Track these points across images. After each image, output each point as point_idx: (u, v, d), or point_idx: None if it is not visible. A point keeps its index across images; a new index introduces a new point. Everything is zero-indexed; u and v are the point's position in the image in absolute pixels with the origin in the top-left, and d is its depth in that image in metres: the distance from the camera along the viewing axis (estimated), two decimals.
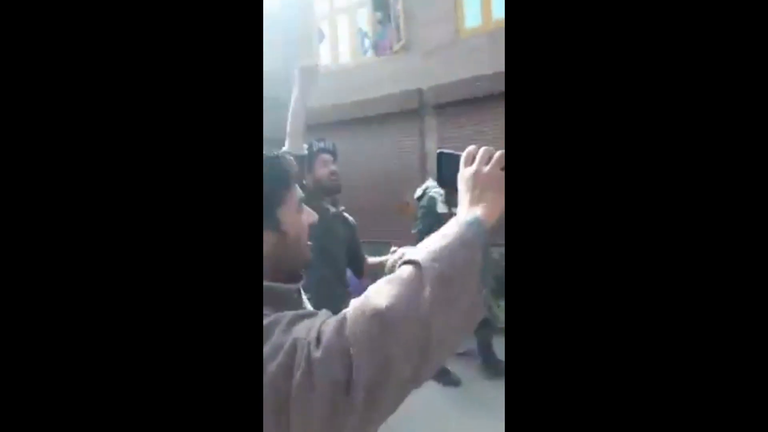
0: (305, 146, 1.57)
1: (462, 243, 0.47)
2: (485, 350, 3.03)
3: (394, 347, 0.41)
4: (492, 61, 4.03)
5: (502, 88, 3.70)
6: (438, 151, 0.64)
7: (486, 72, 4.11)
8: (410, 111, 4.83)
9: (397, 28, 4.88)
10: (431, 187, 2.97)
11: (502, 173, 0.53)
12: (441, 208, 2.84)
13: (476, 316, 0.48)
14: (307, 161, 1.80)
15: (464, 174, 0.54)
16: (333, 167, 1.84)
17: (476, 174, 0.53)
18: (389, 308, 0.42)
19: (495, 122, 4.16)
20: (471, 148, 0.56)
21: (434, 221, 2.66)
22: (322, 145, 1.87)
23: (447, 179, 0.59)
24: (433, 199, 2.90)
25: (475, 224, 0.49)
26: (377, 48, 5.15)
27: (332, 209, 1.82)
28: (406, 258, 0.48)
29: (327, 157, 1.84)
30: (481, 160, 0.54)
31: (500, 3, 4.23)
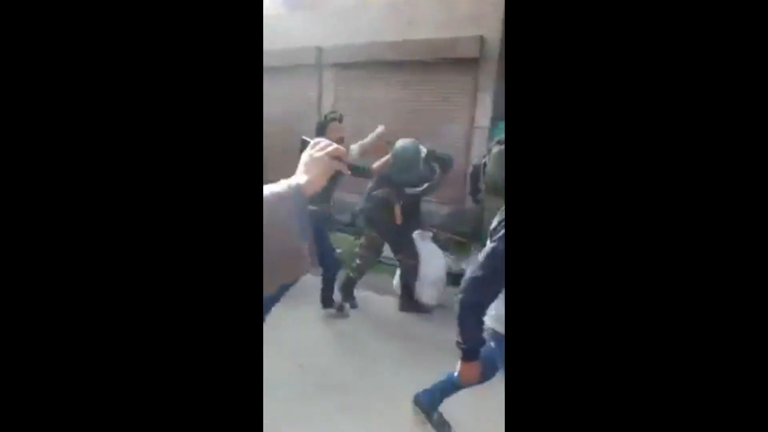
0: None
1: (279, 197, 0.57)
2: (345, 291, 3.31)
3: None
4: (390, 31, 4.78)
5: (395, 57, 4.66)
6: (302, 137, 0.78)
7: (384, 40, 4.83)
8: (309, 65, 5.30)
9: None
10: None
11: (329, 160, 0.67)
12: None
13: (298, 266, 0.57)
14: (318, 130, 2.45)
15: (305, 155, 0.68)
16: (342, 134, 2.46)
17: (310, 155, 0.67)
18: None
19: (387, 87, 4.98)
20: (318, 139, 0.71)
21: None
22: (332, 116, 2.50)
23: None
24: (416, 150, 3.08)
25: (294, 186, 0.60)
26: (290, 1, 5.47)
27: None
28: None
29: (337, 125, 2.47)
30: (316, 147, 0.68)
31: None
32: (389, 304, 3.37)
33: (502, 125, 4.30)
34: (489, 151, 2.83)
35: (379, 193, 3.07)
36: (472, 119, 4.58)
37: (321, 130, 2.46)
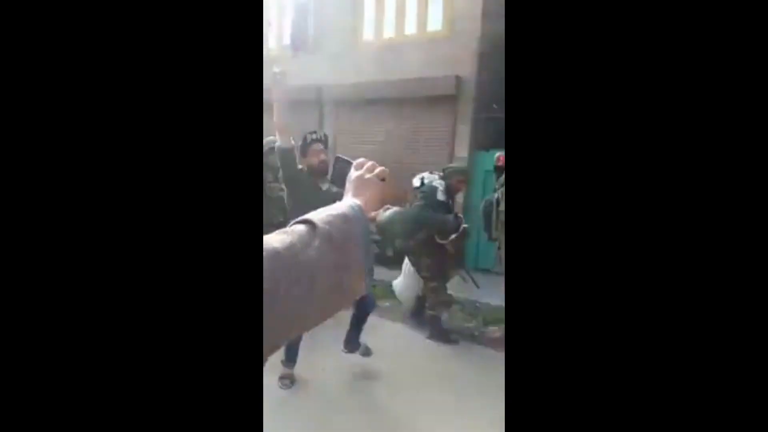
0: (292, 140, 2.12)
1: (345, 218, 0.54)
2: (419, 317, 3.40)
3: (283, 281, 0.44)
4: (381, 71, 5.40)
5: (388, 94, 5.27)
6: (336, 155, 0.78)
7: (377, 79, 5.44)
8: (310, 101, 5.96)
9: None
10: (428, 177, 3.25)
11: (380, 182, 0.66)
12: (440, 196, 3.15)
13: (355, 287, 0.53)
14: (301, 149, 2.33)
15: (352, 175, 0.66)
16: (323, 156, 2.32)
17: (361, 176, 0.65)
18: (284, 249, 0.45)
19: (379, 121, 5.58)
20: (361, 159, 0.69)
21: (435, 205, 3.10)
22: (314, 136, 2.36)
23: (338, 178, 0.73)
24: (434, 188, 3.16)
25: (356, 208, 0.57)
26: (294, 45, 6.21)
27: (324, 187, 2.29)
28: (299, 218, 0.52)
29: (319, 146, 2.34)
30: (366, 169, 0.66)
31: (392, 23, 5.66)
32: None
33: (485, 155, 4.82)
34: (501, 185, 3.14)
35: (422, 234, 3.13)
36: (452, 150, 5.13)
37: (304, 150, 2.39)
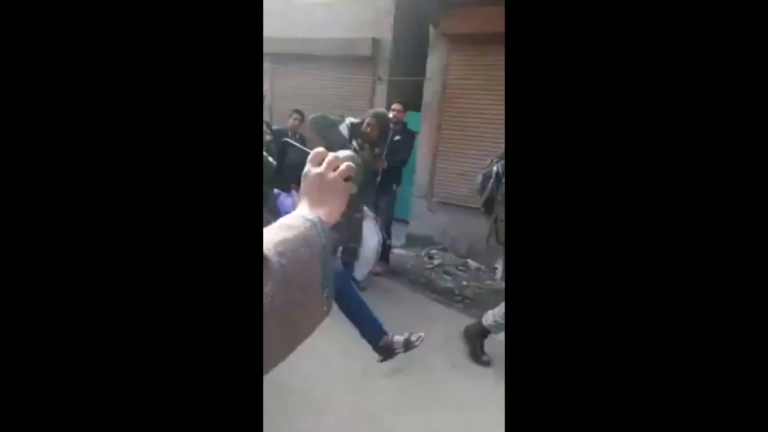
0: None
1: (305, 241, 0.46)
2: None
3: None
4: (312, 29, 5.53)
5: (316, 51, 5.40)
6: (283, 140, 0.67)
7: (308, 36, 5.58)
8: None
9: None
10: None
11: (345, 183, 0.55)
12: (343, 131, 3.01)
13: (317, 318, 0.47)
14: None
15: (310, 173, 0.55)
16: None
17: (322, 177, 0.54)
18: None
19: (310, 81, 5.74)
20: (320, 150, 0.57)
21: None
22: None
23: (290, 170, 0.60)
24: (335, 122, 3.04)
25: (317, 224, 0.48)
26: None
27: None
28: None
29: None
30: (328, 165, 0.55)
31: None
32: None
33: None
34: (501, 157, 2.77)
35: None
36: (372, 106, 5.41)
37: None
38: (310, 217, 0.50)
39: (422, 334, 2.33)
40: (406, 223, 5.22)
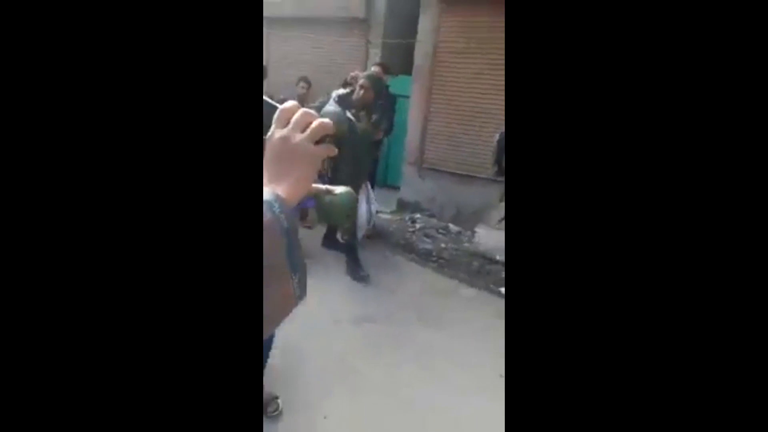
0: None
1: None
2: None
3: None
4: None
5: (308, 14, 5.31)
6: (263, 98, 0.54)
7: None
8: None
9: None
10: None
11: (314, 148, 0.45)
12: (330, 106, 2.87)
13: (287, 306, 0.42)
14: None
15: (273, 136, 0.45)
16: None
17: (285, 141, 0.44)
18: None
19: (302, 41, 5.68)
20: (288, 104, 0.46)
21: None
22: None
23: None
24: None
25: (274, 204, 0.41)
26: None
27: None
28: None
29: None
30: (295, 125, 0.45)
31: None
32: None
33: (394, 80, 5.09)
34: None
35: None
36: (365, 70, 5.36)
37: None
38: (266, 196, 0.41)
39: None
40: (397, 188, 5.23)
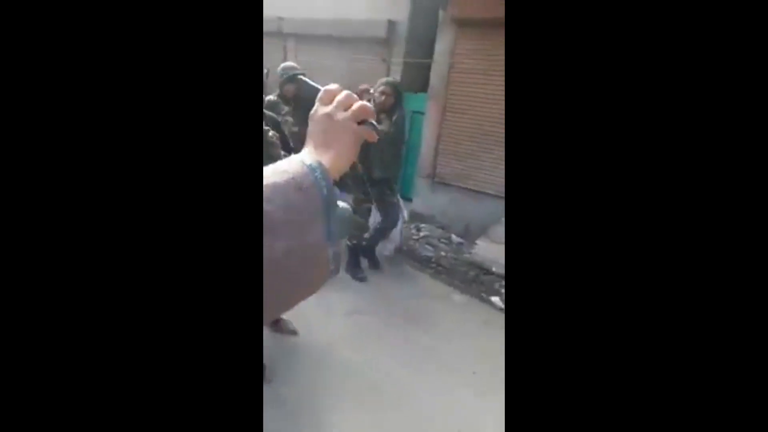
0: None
1: (298, 186, 0.40)
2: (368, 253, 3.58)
3: None
4: (343, 8, 5.81)
5: (333, 32, 5.68)
6: (299, 77, 0.66)
7: (325, 17, 5.88)
8: (272, 33, 6.40)
9: None
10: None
11: (357, 126, 0.48)
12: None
13: (320, 275, 0.42)
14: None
15: (317, 113, 0.48)
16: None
17: (329, 117, 0.47)
18: None
19: (327, 61, 6.04)
20: (332, 86, 0.50)
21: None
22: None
23: (306, 112, 0.53)
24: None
25: (317, 170, 0.42)
26: None
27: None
28: None
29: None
30: (339, 105, 0.48)
31: None
32: None
33: (412, 97, 5.36)
34: None
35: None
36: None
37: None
38: (308, 161, 0.43)
39: None
40: (410, 200, 5.45)
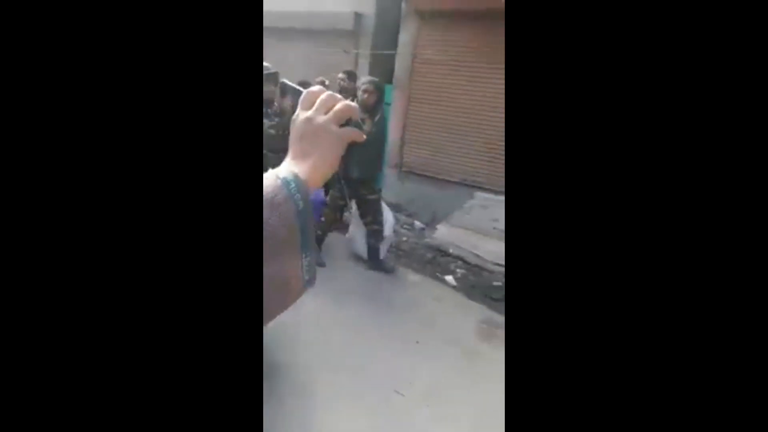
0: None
1: (272, 206, 0.38)
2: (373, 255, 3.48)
3: None
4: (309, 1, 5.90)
5: (313, 25, 5.76)
6: (281, 81, 0.58)
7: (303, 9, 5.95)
8: None
9: None
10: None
11: (339, 130, 0.45)
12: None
13: (293, 288, 0.41)
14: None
15: (297, 118, 0.46)
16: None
17: (309, 122, 0.45)
18: None
19: (296, 54, 6.11)
20: (314, 89, 0.47)
21: None
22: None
23: (288, 119, 0.49)
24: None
25: (291, 182, 0.40)
26: None
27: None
28: None
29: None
30: (319, 107, 0.46)
31: None
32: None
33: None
34: None
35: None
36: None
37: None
38: (282, 174, 0.42)
39: None
40: (380, 190, 5.55)
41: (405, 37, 5.04)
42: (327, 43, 5.82)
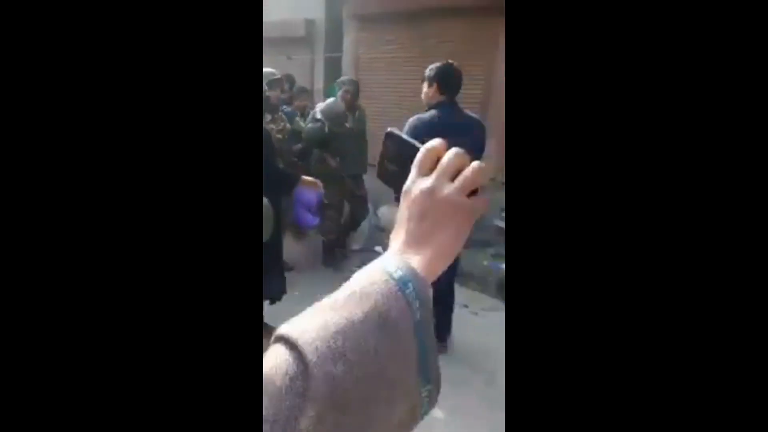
0: None
1: (384, 323, 0.29)
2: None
3: None
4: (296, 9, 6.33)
5: (267, 33, 6.14)
6: (388, 130, 0.44)
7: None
8: None
9: None
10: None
11: (468, 202, 0.36)
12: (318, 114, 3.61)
13: (410, 421, 0.31)
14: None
15: (412, 188, 0.37)
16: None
17: (431, 194, 0.36)
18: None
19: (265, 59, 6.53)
20: (434, 143, 0.38)
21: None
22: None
23: (391, 177, 0.42)
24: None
25: (409, 284, 0.31)
26: None
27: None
28: (281, 333, 0.30)
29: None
30: (444, 172, 0.36)
31: None
32: None
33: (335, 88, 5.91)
34: None
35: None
36: (312, 84, 6.21)
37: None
38: (397, 273, 0.31)
39: None
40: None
41: (347, 40, 5.51)
42: (281, 51, 6.27)
